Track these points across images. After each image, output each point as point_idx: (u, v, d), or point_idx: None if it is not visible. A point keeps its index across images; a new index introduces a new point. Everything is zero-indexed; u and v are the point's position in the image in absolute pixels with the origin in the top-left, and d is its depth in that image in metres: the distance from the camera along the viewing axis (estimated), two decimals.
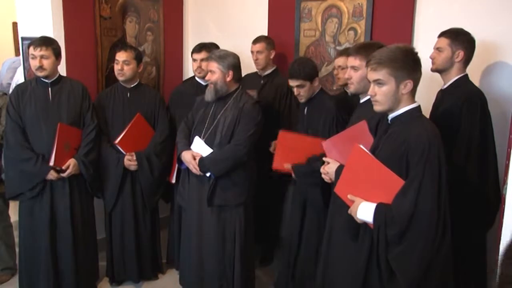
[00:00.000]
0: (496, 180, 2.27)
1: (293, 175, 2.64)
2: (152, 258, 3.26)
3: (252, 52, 3.37)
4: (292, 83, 2.68)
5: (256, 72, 3.47)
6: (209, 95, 2.73)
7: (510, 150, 2.09)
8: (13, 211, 3.20)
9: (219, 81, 2.70)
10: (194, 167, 2.66)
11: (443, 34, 2.35)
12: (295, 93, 2.71)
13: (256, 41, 3.36)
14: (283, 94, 3.33)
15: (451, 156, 2.13)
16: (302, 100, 2.72)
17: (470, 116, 2.18)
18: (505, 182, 1.99)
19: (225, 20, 3.91)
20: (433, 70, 2.39)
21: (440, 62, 2.35)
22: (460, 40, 2.30)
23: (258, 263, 3.47)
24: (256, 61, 3.35)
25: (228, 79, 2.71)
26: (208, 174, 2.67)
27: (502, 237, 1.81)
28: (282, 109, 3.33)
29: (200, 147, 2.70)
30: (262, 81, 3.42)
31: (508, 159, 2.06)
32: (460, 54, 2.29)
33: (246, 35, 3.47)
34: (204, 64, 3.18)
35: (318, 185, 2.42)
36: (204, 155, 2.66)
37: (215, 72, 2.69)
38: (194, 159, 2.66)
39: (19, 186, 2.77)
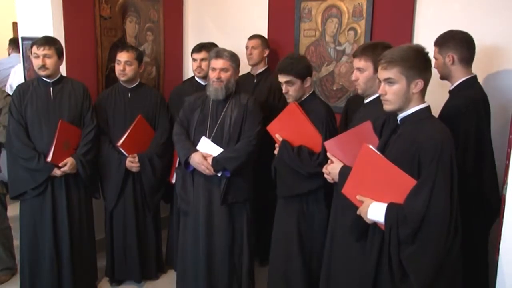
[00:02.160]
0: (495, 180, 2.26)
1: (277, 145, 2.56)
2: (154, 258, 3.26)
3: (246, 47, 3.42)
4: (281, 78, 2.47)
5: (248, 72, 3.50)
6: (219, 94, 2.71)
7: (510, 150, 2.09)
8: (13, 212, 3.20)
9: (232, 79, 2.73)
10: (206, 168, 2.65)
11: (434, 44, 2.35)
12: (283, 90, 2.51)
13: (252, 37, 3.43)
14: (277, 91, 3.36)
15: None
16: (290, 100, 2.52)
17: (466, 120, 2.17)
18: (505, 182, 1.99)
19: (225, 20, 3.91)
20: (441, 79, 2.40)
21: (440, 71, 2.35)
22: (447, 44, 2.29)
23: (258, 264, 3.47)
24: (250, 55, 3.40)
25: (237, 77, 2.77)
26: (219, 174, 2.68)
27: (502, 237, 1.81)
28: (276, 106, 3.36)
29: (208, 147, 2.70)
30: (255, 80, 3.45)
31: (508, 159, 2.06)
32: (450, 56, 2.27)
33: (246, 35, 3.47)
34: (204, 64, 3.19)
35: (291, 168, 2.45)
36: (214, 154, 2.66)
37: (229, 70, 2.70)
38: (205, 159, 2.66)
39: (24, 185, 2.77)
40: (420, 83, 1.77)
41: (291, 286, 2.58)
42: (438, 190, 1.66)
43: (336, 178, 2.11)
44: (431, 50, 2.37)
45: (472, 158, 2.17)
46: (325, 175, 2.20)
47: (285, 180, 2.55)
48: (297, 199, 2.54)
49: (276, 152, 2.58)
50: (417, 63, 1.76)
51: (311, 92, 2.58)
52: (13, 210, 3.27)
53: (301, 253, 2.55)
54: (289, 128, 2.50)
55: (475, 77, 2.32)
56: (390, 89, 1.79)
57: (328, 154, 2.18)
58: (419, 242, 1.68)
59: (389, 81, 1.79)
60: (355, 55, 2.26)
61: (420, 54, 1.79)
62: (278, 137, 2.55)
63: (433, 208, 1.66)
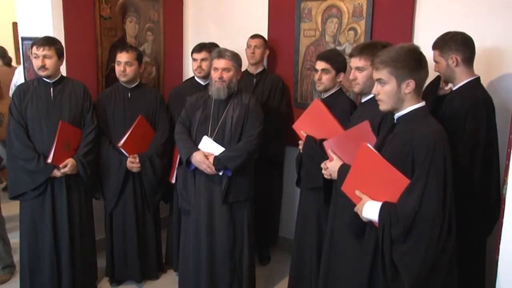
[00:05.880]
0: (498, 185, 2.26)
1: (300, 141, 2.58)
2: (154, 258, 3.26)
3: (249, 46, 3.43)
4: (319, 65, 2.61)
5: (247, 71, 3.50)
6: (221, 93, 2.72)
7: (510, 150, 2.09)
8: (13, 212, 3.20)
9: (234, 79, 2.74)
10: (208, 167, 2.66)
11: (433, 47, 2.33)
12: (316, 77, 2.63)
13: (255, 36, 3.45)
14: (277, 92, 3.43)
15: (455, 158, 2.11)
16: (320, 88, 2.64)
17: (475, 121, 2.15)
18: (505, 182, 1.99)
19: (225, 20, 3.91)
20: (444, 82, 2.39)
21: (443, 73, 2.34)
22: (448, 46, 2.27)
23: (258, 263, 3.47)
24: (252, 54, 3.41)
25: (239, 77, 2.78)
26: (220, 173, 2.69)
27: (502, 237, 1.81)
28: (275, 105, 3.42)
29: (210, 146, 2.71)
30: (255, 80, 3.47)
31: (508, 159, 2.06)
32: (454, 58, 2.25)
33: (246, 35, 3.47)
34: (204, 64, 3.20)
35: (317, 161, 2.40)
36: (216, 153, 2.67)
37: (231, 70, 2.71)
38: (207, 158, 2.67)
39: (23, 186, 2.77)
40: (411, 84, 1.77)
41: (306, 255, 2.68)
42: (430, 190, 1.66)
43: (334, 175, 2.12)
44: (431, 49, 2.39)
45: (481, 160, 2.16)
46: (323, 171, 2.21)
47: (309, 173, 2.58)
48: (319, 191, 2.57)
49: (300, 147, 2.61)
50: (407, 64, 1.76)
51: (338, 88, 2.68)
52: (12, 209, 3.27)
53: (317, 233, 2.61)
54: (314, 124, 2.54)
55: (479, 79, 2.30)
56: (382, 89, 1.81)
57: (329, 151, 2.19)
58: (410, 242, 1.69)
59: (380, 81, 1.81)
60: (352, 54, 2.26)
61: (412, 54, 1.78)
62: (302, 134, 2.59)
63: (425, 207, 1.66)
